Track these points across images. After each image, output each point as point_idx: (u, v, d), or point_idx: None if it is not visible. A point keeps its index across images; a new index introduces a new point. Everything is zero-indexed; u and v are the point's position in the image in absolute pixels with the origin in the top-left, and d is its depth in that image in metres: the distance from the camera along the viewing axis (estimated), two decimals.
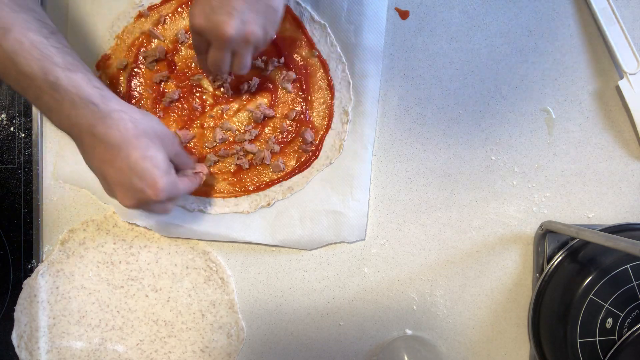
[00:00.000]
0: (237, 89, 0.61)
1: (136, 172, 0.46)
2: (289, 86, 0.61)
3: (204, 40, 0.51)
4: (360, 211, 0.62)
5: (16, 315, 0.61)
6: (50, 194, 0.62)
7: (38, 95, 0.45)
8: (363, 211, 0.62)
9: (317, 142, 0.62)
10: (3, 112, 0.61)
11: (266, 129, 0.62)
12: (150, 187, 0.47)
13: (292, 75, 0.61)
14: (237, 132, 0.61)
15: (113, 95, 0.48)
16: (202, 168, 0.59)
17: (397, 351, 0.62)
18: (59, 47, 0.45)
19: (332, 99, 0.61)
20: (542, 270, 0.61)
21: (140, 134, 0.47)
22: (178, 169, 0.55)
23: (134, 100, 0.61)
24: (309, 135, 0.61)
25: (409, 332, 0.64)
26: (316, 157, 0.62)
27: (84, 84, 0.45)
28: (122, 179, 0.47)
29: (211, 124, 0.61)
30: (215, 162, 0.61)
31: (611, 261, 0.56)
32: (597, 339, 0.55)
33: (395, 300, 0.64)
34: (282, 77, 0.60)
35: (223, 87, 0.61)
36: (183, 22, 0.61)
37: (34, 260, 0.61)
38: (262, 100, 0.61)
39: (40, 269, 0.61)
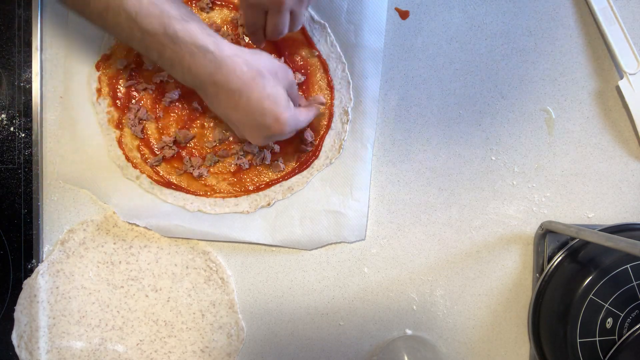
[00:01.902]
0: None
1: (259, 112, 0.49)
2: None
3: (260, 12, 0.52)
4: (360, 211, 0.62)
5: (16, 315, 0.61)
6: (50, 194, 0.62)
7: (161, 51, 0.47)
8: (363, 211, 0.62)
9: (317, 142, 0.62)
10: (3, 112, 0.61)
11: None
12: (275, 123, 0.50)
13: (301, 77, 0.61)
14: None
15: (225, 40, 0.49)
16: (318, 99, 0.60)
17: (397, 351, 0.62)
18: (172, 1, 0.47)
19: (332, 99, 0.61)
20: (542, 270, 0.61)
21: (256, 75, 0.49)
22: (294, 101, 0.56)
23: (134, 100, 0.61)
24: (308, 135, 0.61)
25: (409, 332, 0.64)
26: (316, 157, 0.62)
27: (198, 33, 0.47)
28: (248, 120, 0.50)
29: (211, 124, 0.61)
30: (215, 162, 0.61)
31: (611, 261, 0.56)
32: (597, 339, 0.55)
33: (395, 300, 0.64)
34: None
35: None
36: None
37: (34, 260, 0.61)
38: None
39: (40, 269, 0.61)
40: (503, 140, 0.63)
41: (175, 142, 0.61)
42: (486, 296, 0.64)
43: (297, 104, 0.56)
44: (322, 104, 0.60)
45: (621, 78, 0.62)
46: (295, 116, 0.53)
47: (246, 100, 0.49)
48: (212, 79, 0.48)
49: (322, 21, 0.61)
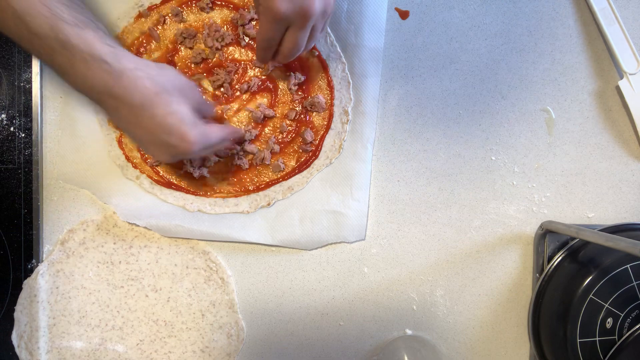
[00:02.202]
0: (237, 89, 0.61)
1: (164, 129, 0.46)
2: (294, 87, 0.61)
3: (282, 27, 0.48)
4: (360, 211, 0.62)
5: (16, 315, 0.61)
6: (50, 194, 0.62)
7: (51, 55, 0.44)
8: (363, 211, 0.62)
9: (317, 142, 0.62)
10: (3, 112, 0.61)
11: (266, 129, 0.62)
12: (181, 142, 0.47)
13: (301, 77, 0.61)
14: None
15: (126, 52, 0.47)
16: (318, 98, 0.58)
17: (397, 351, 0.62)
18: (68, 5, 0.44)
19: (332, 98, 0.61)
20: (542, 270, 0.61)
21: (160, 91, 0.46)
22: (205, 118, 0.53)
23: None
24: (308, 135, 0.61)
25: (409, 332, 0.64)
26: (316, 157, 0.62)
27: (95, 42, 0.44)
28: (152, 138, 0.47)
29: None
30: (215, 162, 0.61)
31: (611, 261, 0.56)
32: (597, 339, 0.55)
33: (395, 300, 0.64)
34: (291, 82, 0.60)
35: (223, 87, 0.61)
36: (181, 24, 0.61)
37: (34, 260, 0.61)
38: (262, 100, 0.61)
39: (40, 269, 0.61)
40: (503, 140, 0.63)
41: None
42: (486, 296, 0.64)
43: (209, 118, 0.54)
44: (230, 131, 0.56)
45: (621, 78, 0.62)
46: (205, 133, 0.49)
47: (149, 117, 0.45)
48: (110, 91, 0.45)
49: None
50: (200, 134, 0.48)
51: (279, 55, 0.51)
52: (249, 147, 0.61)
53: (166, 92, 0.46)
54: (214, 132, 0.51)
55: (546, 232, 0.61)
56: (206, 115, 0.54)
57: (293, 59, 0.51)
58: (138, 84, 0.45)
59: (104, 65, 0.44)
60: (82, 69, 0.44)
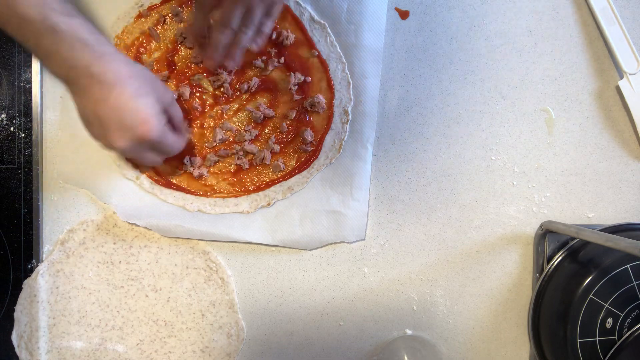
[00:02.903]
0: (237, 89, 0.61)
1: (128, 109, 0.48)
2: (295, 87, 0.61)
3: (208, 10, 0.51)
4: (360, 211, 0.62)
5: (16, 315, 0.61)
6: (50, 194, 0.62)
7: (38, 40, 0.46)
8: (363, 211, 0.62)
9: (317, 142, 0.62)
10: (3, 112, 0.61)
11: (266, 129, 0.62)
12: (142, 125, 0.49)
13: (301, 77, 0.61)
14: (237, 132, 0.61)
15: (108, 40, 0.49)
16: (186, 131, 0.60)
17: (397, 351, 0.62)
18: None
19: (332, 99, 0.61)
20: (542, 270, 0.61)
21: (133, 75, 0.49)
22: (171, 123, 0.56)
23: None
24: (308, 135, 0.61)
25: (409, 332, 0.64)
26: (316, 157, 0.62)
27: (81, 29, 0.47)
28: (115, 116, 0.48)
29: (211, 124, 0.61)
30: (215, 162, 0.61)
31: (611, 261, 0.56)
32: (597, 339, 0.55)
33: (395, 300, 0.64)
34: (292, 82, 0.60)
35: (223, 87, 0.61)
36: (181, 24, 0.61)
37: (34, 260, 0.61)
38: (262, 100, 0.61)
39: (40, 269, 0.61)
40: (503, 140, 0.63)
41: None
42: (486, 296, 0.64)
43: (176, 131, 0.56)
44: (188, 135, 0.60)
45: (621, 78, 0.62)
46: (165, 132, 0.52)
47: (118, 94, 0.48)
48: (89, 70, 0.47)
49: (322, 21, 0.61)
50: (161, 128, 0.51)
51: (212, 49, 0.53)
52: (249, 147, 0.61)
53: (138, 79, 0.49)
54: (171, 137, 0.54)
55: (546, 232, 0.61)
56: (173, 120, 0.56)
57: (239, 55, 0.53)
58: (114, 65, 0.48)
59: (87, 48, 0.47)
60: (66, 51, 0.46)
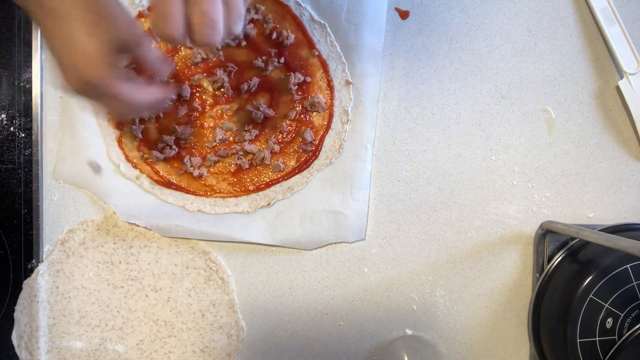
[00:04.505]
0: (237, 89, 0.61)
1: (74, 46, 0.42)
2: (295, 87, 0.61)
3: None
4: (360, 211, 0.62)
5: (16, 315, 0.61)
6: (50, 194, 0.62)
7: None
8: (363, 211, 0.62)
9: (317, 142, 0.62)
10: (3, 112, 0.61)
11: (266, 129, 0.62)
12: (84, 65, 0.42)
13: (301, 77, 0.61)
14: (237, 132, 0.61)
15: None
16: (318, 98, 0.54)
17: (397, 351, 0.62)
18: None
19: (332, 99, 0.61)
20: (542, 270, 0.61)
21: (90, 8, 0.42)
22: (145, 72, 0.50)
23: None
24: (308, 135, 0.61)
25: (409, 332, 0.64)
26: (316, 157, 0.62)
27: None
28: (64, 52, 0.43)
29: (211, 124, 0.61)
30: (215, 162, 0.61)
31: (611, 261, 0.56)
32: (597, 339, 0.55)
33: (395, 300, 0.64)
34: (292, 82, 0.60)
35: (223, 87, 0.61)
36: None
37: (34, 260, 0.61)
38: (262, 100, 0.61)
39: (40, 269, 0.61)
40: (503, 140, 0.63)
41: (175, 140, 0.61)
42: (486, 296, 0.64)
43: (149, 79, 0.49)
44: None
45: (621, 78, 0.62)
46: (115, 76, 0.43)
47: (66, 28, 0.42)
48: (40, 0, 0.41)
49: (322, 21, 0.61)
50: (107, 70, 0.43)
51: (193, 33, 0.44)
52: (249, 147, 0.61)
53: (95, 13, 0.43)
54: (128, 84, 0.45)
55: (546, 232, 0.61)
56: (149, 67, 0.49)
57: (213, 39, 0.44)
58: None
59: None
60: None
